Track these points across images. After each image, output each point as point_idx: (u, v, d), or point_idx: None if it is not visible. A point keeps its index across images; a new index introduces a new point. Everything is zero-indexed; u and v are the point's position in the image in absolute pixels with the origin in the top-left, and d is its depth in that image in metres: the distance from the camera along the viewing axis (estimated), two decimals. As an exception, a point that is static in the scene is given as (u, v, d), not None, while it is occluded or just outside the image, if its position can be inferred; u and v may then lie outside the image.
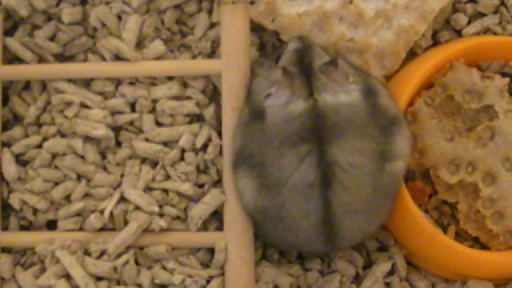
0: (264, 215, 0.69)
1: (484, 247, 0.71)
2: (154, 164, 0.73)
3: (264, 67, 0.72)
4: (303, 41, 0.71)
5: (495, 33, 0.77)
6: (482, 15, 0.78)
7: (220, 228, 0.72)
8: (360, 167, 0.65)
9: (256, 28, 0.79)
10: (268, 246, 0.75)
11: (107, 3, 0.75)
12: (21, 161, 0.74)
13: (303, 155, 0.66)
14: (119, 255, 0.70)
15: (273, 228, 0.70)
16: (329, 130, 0.66)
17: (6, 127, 0.75)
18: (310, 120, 0.66)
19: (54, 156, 0.73)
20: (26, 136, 0.74)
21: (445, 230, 0.71)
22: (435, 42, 0.78)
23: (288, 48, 0.71)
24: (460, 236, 0.72)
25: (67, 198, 0.72)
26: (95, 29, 0.75)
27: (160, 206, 0.71)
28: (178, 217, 0.72)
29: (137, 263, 0.71)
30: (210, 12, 0.76)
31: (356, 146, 0.66)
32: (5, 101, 0.75)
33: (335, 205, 0.65)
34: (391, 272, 0.73)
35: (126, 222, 0.71)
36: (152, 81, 0.74)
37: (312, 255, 0.74)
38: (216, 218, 0.72)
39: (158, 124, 0.74)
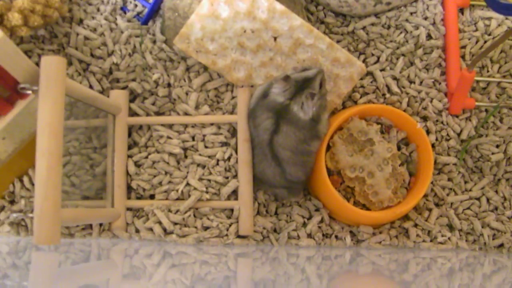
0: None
1: (368, 209, 0.75)
2: (203, 167, 0.78)
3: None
4: (320, 69, 0.73)
5: (373, 103, 0.80)
6: (367, 93, 0.81)
7: (236, 199, 0.77)
8: (290, 135, 0.71)
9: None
10: (260, 205, 0.78)
11: (181, 86, 0.79)
12: (137, 164, 0.79)
13: (269, 116, 0.72)
14: (185, 212, 0.76)
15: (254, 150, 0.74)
16: (286, 118, 0.71)
17: (130, 147, 0.79)
18: (281, 107, 0.71)
19: (153, 162, 0.78)
20: (140, 152, 0.79)
21: (348, 201, 0.75)
22: (344, 106, 0.80)
23: (312, 70, 0.73)
24: (356, 204, 0.76)
25: (160, 183, 0.78)
26: (174, 99, 0.80)
27: (206, 188, 0.77)
28: (215, 193, 0.77)
29: (194, 216, 0.77)
30: (232, 91, 0.80)
31: (292, 131, 0.71)
32: (129, 134, 0.80)
33: (276, 142, 0.72)
34: (321, 221, 0.77)
35: (189, 196, 0.76)
36: (203, 125, 0.79)
37: (272, 184, 0.75)
38: (234, 194, 0.77)
39: (206, 146, 0.79)
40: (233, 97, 0.80)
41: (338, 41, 0.83)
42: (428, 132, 0.81)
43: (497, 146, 0.82)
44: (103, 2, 0.84)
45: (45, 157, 0.56)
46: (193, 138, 0.80)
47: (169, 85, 0.81)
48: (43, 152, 0.56)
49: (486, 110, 0.84)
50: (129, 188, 0.79)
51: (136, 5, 0.85)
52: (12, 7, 0.71)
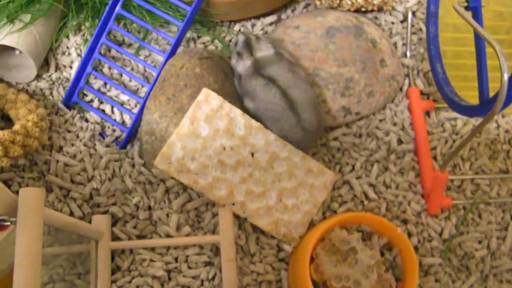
0: None
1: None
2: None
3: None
4: (245, 34, 0.81)
5: (352, 211, 0.81)
6: (345, 202, 0.81)
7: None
8: (278, 72, 0.78)
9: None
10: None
11: (161, 208, 0.79)
12: (120, 290, 0.76)
13: (260, 79, 0.77)
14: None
15: None
16: (261, 65, 0.78)
17: (113, 272, 0.78)
18: (254, 63, 0.78)
19: (137, 286, 0.77)
20: (123, 276, 0.78)
21: (337, 310, 0.72)
22: (324, 217, 0.80)
23: (239, 40, 0.80)
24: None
25: (145, 308, 0.74)
26: (155, 222, 0.80)
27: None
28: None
29: None
30: (211, 210, 0.80)
31: (277, 71, 0.77)
32: (112, 259, 0.78)
33: (284, 86, 0.77)
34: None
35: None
36: (186, 246, 0.79)
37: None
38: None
39: (189, 267, 0.78)
40: (213, 216, 0.80)
41: (314, 153, 0.84)
42: (409, 235, 0.82)
43: (480, 242, 0.83)
44: (82, 128, 0.86)
45: (22, 290, 0.53)
46: (176, 260, 0.79)
47: (149, 207, 0.81)
48: (19, 285, 0.53)
49: (464, 208, 0.85)
50: (112, 315, 0.76)
51: (114, 130, 0.87)
52: (-8, 139, 0.71)
